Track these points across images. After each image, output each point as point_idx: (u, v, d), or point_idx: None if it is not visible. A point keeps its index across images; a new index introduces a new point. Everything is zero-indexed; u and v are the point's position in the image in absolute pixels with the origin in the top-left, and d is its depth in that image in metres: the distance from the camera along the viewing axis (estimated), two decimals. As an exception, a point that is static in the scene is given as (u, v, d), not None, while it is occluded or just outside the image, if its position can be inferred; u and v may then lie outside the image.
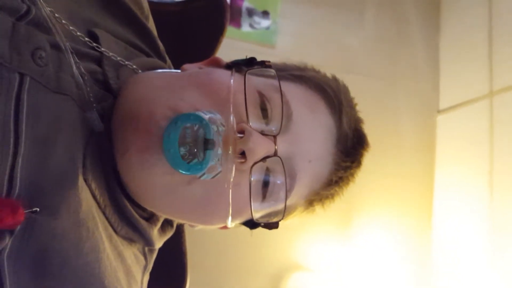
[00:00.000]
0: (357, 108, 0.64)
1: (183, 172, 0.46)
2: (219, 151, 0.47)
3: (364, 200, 1.70)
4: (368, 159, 0.63)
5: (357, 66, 1.86)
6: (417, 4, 1.99)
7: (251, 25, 1.82)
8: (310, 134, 0.56)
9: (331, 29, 1.90)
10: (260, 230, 0.58)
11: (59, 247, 0.44)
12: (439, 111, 1.91)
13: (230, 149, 0.49)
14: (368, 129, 0.64)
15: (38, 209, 0.43)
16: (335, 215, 1.68)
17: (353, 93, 0.64)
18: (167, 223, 0.63)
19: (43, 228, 0.43)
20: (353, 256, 1.72)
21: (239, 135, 0.49)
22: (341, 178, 0.61)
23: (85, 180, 0.48)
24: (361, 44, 1.91)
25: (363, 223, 1.75)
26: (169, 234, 0.64)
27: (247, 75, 0.52)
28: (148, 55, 0.66)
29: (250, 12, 1.82)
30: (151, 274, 0.61)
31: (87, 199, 0.48)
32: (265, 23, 1.83)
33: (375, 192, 1.71)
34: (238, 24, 1.81)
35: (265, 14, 1.83)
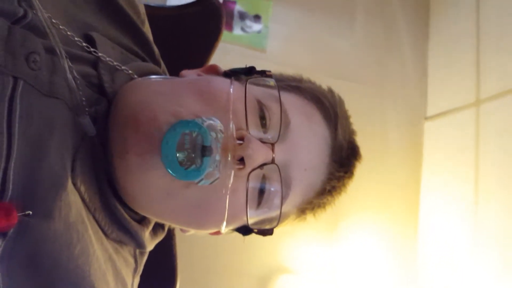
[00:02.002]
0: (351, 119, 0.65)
1: (180, 178, 0.47)
2: (217, 157, 0.48)
3: (351, 204, 1.70)
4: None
5: (346, 72, 1.88)
6: (406, 12, 2.01)
7: (242, 29, 1.82)
8: (307, 144, 0.57)
9: (321, 35, 1.91)
10: (248, 232, 0.59)
11: (51, 250, 0.44)
12: (426, 118, 1.93)
13: (229, 155, 0.49)
14: (356, 135, 0.65)
15: (30, 212, 0.43)
16: (322, 218, 1.69)
17: (341, 98, 0.65)
18: (159, 226, 0.63)
19: (36, 231, 0.43)
20: (340, 259, 1.73)
21: (238, 141, 0.50)
22: (334, 188, 0.61)
23: (74, 184, 0.48)
24: (351, 50, 1.92)
25: (350, 227, 1.76)
26: (161, 237, 0.64)
27: (247, 84, 0.53)
28: (143, 60, 0.66)
29: (242, 16, 1.83)
30: (141, 276, 0.61)
31: (76, 202, 0.48)
32: (256, 27, 1.83)
33: (362, 197, 1.72)
34: (229, 27, 1.81)
35: (257, 18, 1.84)
